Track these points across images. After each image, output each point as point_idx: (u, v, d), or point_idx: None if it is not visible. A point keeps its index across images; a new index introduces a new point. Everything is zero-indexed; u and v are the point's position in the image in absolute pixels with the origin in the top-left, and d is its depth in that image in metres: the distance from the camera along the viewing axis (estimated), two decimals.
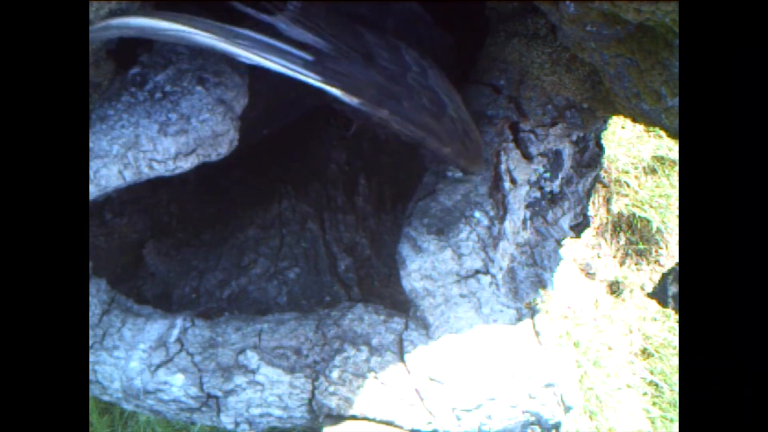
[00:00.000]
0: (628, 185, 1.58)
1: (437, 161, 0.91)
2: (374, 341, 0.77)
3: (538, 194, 0.90)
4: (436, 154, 0.79)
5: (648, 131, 1.61)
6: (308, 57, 0.68)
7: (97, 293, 0.81)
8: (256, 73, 0.85)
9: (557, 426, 0.74)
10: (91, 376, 0.77)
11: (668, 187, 1.56)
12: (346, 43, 0.73)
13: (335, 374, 0.75)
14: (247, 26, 0.67)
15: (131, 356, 0.76)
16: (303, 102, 0.98)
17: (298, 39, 0.70)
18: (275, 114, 0.98)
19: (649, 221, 1.54)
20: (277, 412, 0.76)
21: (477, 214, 0.81)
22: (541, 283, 0.87)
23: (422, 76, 0.78)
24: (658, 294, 0.96)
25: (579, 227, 0.98)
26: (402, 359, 0.75)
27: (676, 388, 1.38)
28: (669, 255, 1.54)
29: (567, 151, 0.90)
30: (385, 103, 0.72)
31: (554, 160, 0.89)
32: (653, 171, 1.59)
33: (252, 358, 0.76)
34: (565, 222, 0.92)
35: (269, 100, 0.91)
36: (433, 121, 0.76)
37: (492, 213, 0.82)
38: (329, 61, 0.70)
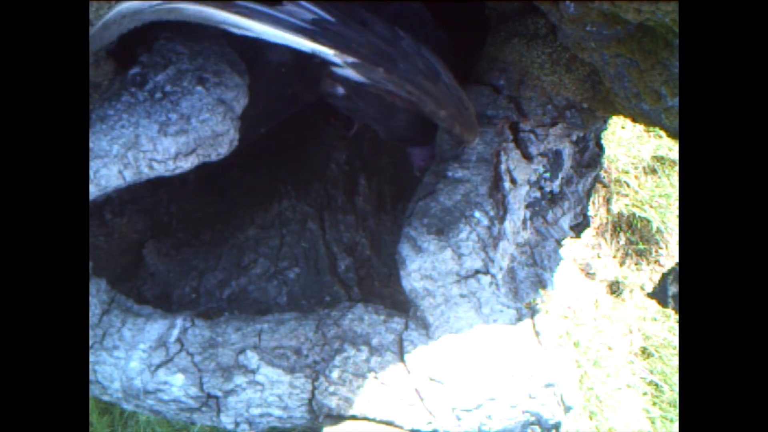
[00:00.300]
0: (628, 185, 1.58)
1: (422, 167, 0.91)
2: (374, 341, 0.77)
3: (538, 194, 0.90)
4: (433, 117, 0.79)
5: (648, 131, 1.61)
6: (303, 24, 0.68)
7: (97, 293, 0.81)
8: (254, 71, 0.85)
9: (557, 426, 0.74)
10: (91, 376, 0.77)
11: (668, 187, 1.56)
12: (342, 12, 0.73)
13: (335, 374, 0.75)
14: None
15: (131, 356, 0.76)
16: (300, 98, 0.98)
17: (295, 10, 0.69)
18: (272, 111, 0.98)
19: (649, 221, 1.54)
20: (277, 412, 0.76)
21: (477, 214, 0.81)
22: (541, 283, 0.87)
23: (416, 47, 0.78)
24: (658, 294, 0.96)
25: (579, 227, 0.98)
26: (402, 359, 0.75)
27: (676, 388, 1.38)
28: (669, 255, 1.54)
29: (567, 151, 0.90)
30: (381, 63, 0.71)
31: (554, 160, 0.89)
32: (653, 171, 1.59)
33: (252, 358, 0.76)
34: (565, 222, 0.92)
35: (267, 98, 0.91)
36: (428, 83, 0.75)
37: (492, 213, 0.82)
38: (325, 24, 0.69)
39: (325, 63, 0.71)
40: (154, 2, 0.64)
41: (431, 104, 0.75)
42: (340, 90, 0.90)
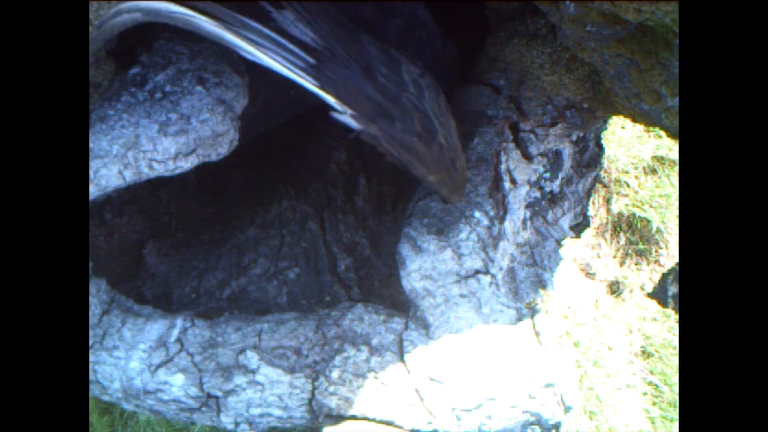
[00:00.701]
0: (628, 185, 1.58)
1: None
2: (374, 341, 0.77)
3: (538, 194, 0.90)
4: (420, 179, 0.79)
5: (648, 131, 1.61)
6: (310, 59, 0.68)
7: (97, 293, 0.81)
8: (256, 69, 0.85)
9: (557, 426, 0.74)
10: (91, 376, 0.77)
11: (668, 187, 1.56)
12: (346, 51, 0.73)
13: (335, 374, 0.75)
14: (254, 17, 0.66)
15: (131, 356, 0.76)
16: (303, 100, 0.98)
17: (300, 38, 0.70)
18: (274, 111, 0.98)
19: (649, 221, 1.54)
20: (277, 412, 0.76)
21: (477, 214, 0.81)
22: (541, 283, 0.87)
23: (418, 98, 0.77)
24: (658, 294, 0.96)
25: (579, 227, 0.98)
26: (402, 359, 0.75)
27: (676, 388, 1.38)
28: (669, 255, 1.54)
29: (567, 151, 0.90)
30: (378, 120, 0.72)
31: (554, 160, 0.89)
32: (653, 171, 1.59)
33: (252, 358, 0.76)
34: (565, 222, 0.92)
35: (268, 97, 0.91)
36: (422, 145, 0.75)
37: (492, 213, 0.82)
38: (329, 67, 0.70)
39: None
40: (174, 7, 0.64)
41: (421, 168, 0.75)
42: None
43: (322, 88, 0.68)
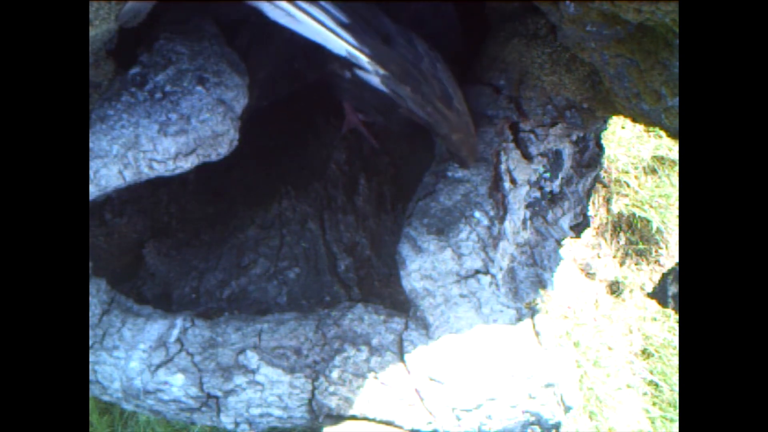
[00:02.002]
0: (628, 185, 1.58)
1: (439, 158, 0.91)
2: (374, 341, 0.77)
3: (538, 194, 0.90)
4: (443, 139, 0.81)
5: (648, 131, 1.61)
6: (344, 19, 0.68)
7: (97, 293, 0.81)
8: (261, 41, 0.85)
9: (557, 426, 0.74)
10: (91, 376, 0.77)
11: (668, 187, 1.56)
12: (366, 21, 0.73)
13: (335, 374, 0.75)
14: None
15: (131, 356, 0.76)
16: (304, 75, 0.97)
17: (328, 8, 0.69)
18: (274, 86, 0.97)
19: (649, 221, 1.54)
20: (277, 412, 0.76)
21: (477, 214, 0.81)
22: (541, 283, 0.87)
23: (433, 67, 0.79)
24: (658, 294, 0.96)
25: (579, 227, 0.98)
26: (402, 359, 0.75)
27: (676, 388, 1.38)
28: (669, 255, 1.54)
29: (567, 151, 0.90)
30: (407, 81, 0.73)
31: (554, 160, 0.89)
32: (653, 171, 1.59)
33: (252, 358, 0.76)
34: (565, 222, 0.92)
35: (271, 70, 0.91)
36: (443, 107, 0.77)
37: (492, 213, 0.82)
38: (358, 29, 0.70)
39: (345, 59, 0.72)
40: None
41: (446, 128, 0.78)
42: (348, 74, 0.90)
43: (358, 47, 0.68)
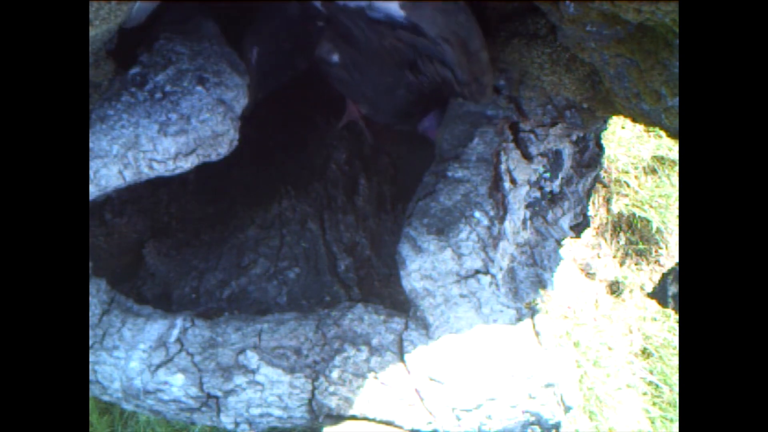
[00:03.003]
0: (628, 185, 1.58)
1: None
2: (374, 341, 0.77)
3: (538, 194, 0.90)
4: (453, 75, 0.80)
5: (648, 131, 1.61)
6: None
7: (97, 293, 0.81)
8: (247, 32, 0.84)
9: (557, 426, 0.74)
10: (91, 376, 0.77)
11: (668, 187, 1.56)
12: None
13: (335, 374, 0.75)
14: None
15: (131, 356, 0.76)
16: (295, 59, 0.96)
17: None
18: (267, 70, 0.97)
19: (649, 221, 1.54)
20: (277, 412, 0.76)
21: (477, 214, 0.81)
22: (541, 283, 0.87)
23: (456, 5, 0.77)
24: (658, 294, 0.96)
25: (579, 227, 0.98)
26: (402, 359, 0.75)
27: (676, 388, 1.38)
28: (669, 255, 1.54)
29: (567, 151, 0.90)
30: (424, 6, 0.71)
31: (554, 160, 0.89)
32: (653, 171, 1.59)
33: (252, 358, 0.76)
34: (565, 222, 0.92)
35: (260, 53, 0.91)
36: (456, 41, 0.76)
37: (492, 213, 0.82)
38: None
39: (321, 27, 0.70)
40: None
41: (453, 58, 0.75)
42: (335, 58, 0.89)
43: None
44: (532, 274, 0.87)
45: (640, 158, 1.59)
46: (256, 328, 0.79)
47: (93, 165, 0.71)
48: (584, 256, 1.56)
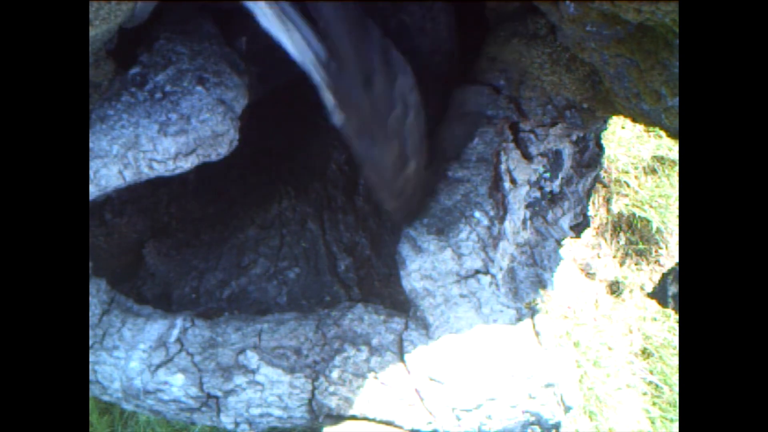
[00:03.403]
0: (628, 185, 1.58)
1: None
2: (374, 341, 0.77)
3: (538, 194, 0.90)
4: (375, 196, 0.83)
5: (648, 131, 1.61)
6: (323, 54, 0.69)
7: (97, 293, 0.81)
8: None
9: (557, 426, 0.74)
10: (91, 376, 0.77)
11: (668, 187, 1.56)
12: (355, 54, 0.73)
13: (335, 374, 0.75)
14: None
15: (131, 356, 0.76)
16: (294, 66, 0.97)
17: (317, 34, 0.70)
18: (269, 74, 0.97)
19: (649, 221, 1.54)
20: (277, 412, 0.76)
21: (477, 214, 0.81)
22: (541, 283, 0.87)
23: (402, 120, 0.80)
24: (658, 294, 0.96)
25: (579, 227, 0.98)
26: (402, 359, 0.75)
27: (676, 388, 1.38)
28: (669, 255, 1.54)
29: (567, 151, 0.90)
30: (362, 138, 0.76)
31: (554, 160, 0.89)
32: (653, 171, 1.59)
33: (252, 358, 0.76)
34: (565, 222, 0.92)
35: (264, 61, 0.91)
36: (389, 174, 0.81)
37: (492, 213, 0.82)
38: (338, 68, 0.71)
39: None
40: None
41: (381, 193, 0.83)
42: None
43: (328, 87, 0.69)
44: (532, 274, 0.87)
45: (640, 158, 1.59)
46: (256, 328, 0.79)
47: (93, 165, 0.71)
48: (584, 256, 1.56)
